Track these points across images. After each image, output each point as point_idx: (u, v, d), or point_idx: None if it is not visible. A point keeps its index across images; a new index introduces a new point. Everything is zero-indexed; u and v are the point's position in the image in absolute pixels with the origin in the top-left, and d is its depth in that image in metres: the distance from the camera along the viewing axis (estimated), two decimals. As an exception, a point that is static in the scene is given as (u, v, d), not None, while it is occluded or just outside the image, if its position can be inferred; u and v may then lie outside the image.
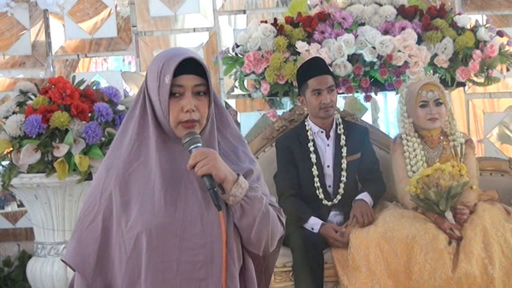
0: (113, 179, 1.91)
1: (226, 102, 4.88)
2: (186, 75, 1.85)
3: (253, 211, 1.84)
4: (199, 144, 1.86)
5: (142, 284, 1.84)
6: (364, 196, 3.66)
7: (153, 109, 1.90)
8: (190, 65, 1.84)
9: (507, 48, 4.30)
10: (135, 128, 1.93)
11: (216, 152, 1.87)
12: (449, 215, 3.44)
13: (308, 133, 3.76)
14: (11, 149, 3.51)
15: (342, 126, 3.78)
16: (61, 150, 3.39)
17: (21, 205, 4.65)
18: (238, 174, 1.87)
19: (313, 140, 3.75)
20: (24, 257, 4.42)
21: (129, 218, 1.86)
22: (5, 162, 3.58)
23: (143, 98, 1.93)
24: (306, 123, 3.80)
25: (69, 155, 3.41)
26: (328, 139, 3.77)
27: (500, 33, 4.27)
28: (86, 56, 5.24)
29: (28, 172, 3.48)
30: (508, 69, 4.39)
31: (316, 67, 3.71)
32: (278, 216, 1.93)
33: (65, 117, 3.42)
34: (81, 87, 3.74)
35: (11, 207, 4.99)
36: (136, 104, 1.94)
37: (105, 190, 1.91)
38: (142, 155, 1.92)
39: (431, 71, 3.91)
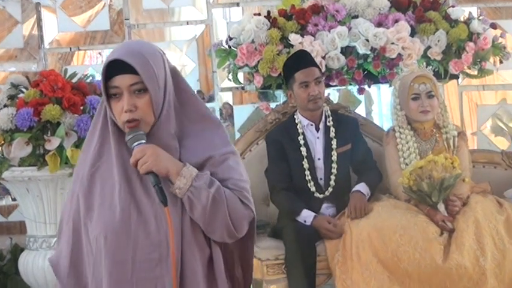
0: (78, 181, 1.93)
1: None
2: (121, 76, 1.83)
3: (200, 201, 1.82)
4: (143, 141, 1.85)
5: (104, 284, 1.85)
6: (361, 187, 3.66)
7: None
8: (125, 64, 1.82)
9: (500, 40, 4.30)
10: (100, 129, 1.93)
11: (157, 147, 1.85)
12: (441, 207, 3.45)
13: (298, 126, 3.75)
14: (2, 142, 3.50)
15: (331, 118, 3.77)
16: (53, 143, 3.38)
17: (15, 199, 4.64)
18: (184, 165, 1.85)
19: (303, 133, 3.74)
20: (17, 251, 4.42)
21: (92, 219, 1.88)
22: (-4, 156, 3.57)
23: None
24: (295, 116, 3.80)
25: (60, 148, 3.40)
26: (318, 132, 3.76)
27: (493, 26, 4.26)
28: (79, 49, 5.23)
29: (19, 165, 3.47)
30: (501, 62, 4.39)
31: (301, 60, 3.71)
32: (241, 199, 1.88)
33: (56, 110, 3.41)
34: (74, 80, 3.72)
35: (5, 201, 4.99)
36: (102, 104, 1.94)
37: (74, 192, 1.94)
38: (105, 154, 1.92)
39: (424, 64, 3.90)
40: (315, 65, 3.72)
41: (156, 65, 1.87)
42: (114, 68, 1.84)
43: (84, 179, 1.92)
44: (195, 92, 2.10)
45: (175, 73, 1.95)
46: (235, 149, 2.01)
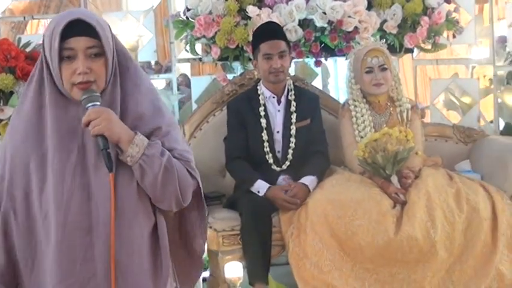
0: (8, 148, 1.91)
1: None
2: (78, 38, 1.82)
3: (152, 169, 1.84)
4: (98, 103, 1.84)
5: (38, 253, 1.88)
6: (310, 182, 3.61)
7: (50, 73, 1.88)
8: (82, 27, 1.81)
9: (454, 15, 4.37)
10: (34, 92, 1.91)
11: (112, 112, 1.85)
12: (394, 179, 3.51)
13: (260, 98, 3.76)
14: (-45, 111, 3.43)
15: (293, 92, 3.79)
16: (6, 113, 3.34)
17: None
18: (135, 133, 1.86)
19: (264, 105, 3.75)
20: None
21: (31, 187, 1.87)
22: (-51, 125, 3.50)
23: (41, 62, 1.90)
24: (258, 87, 3.80)
25: (14, 117, 3.36)
26: (279, 104, 3.78)
27: (447, 0, 4.33)
28: (33, 18, 5.13)
29: (-28, 134, 3.42)
30: (454, 36, 4.46)
31: (268, 32, 3.70)
32: (187, 168, 1.91)
33: (9, 80, 3.36)
34: (27, 50, 3.67)
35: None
36: (36, 68, 1.92)
37: (6, 157, 1.92)
38: (40, 119, 1.89)
39: (378, 37, 3.94)
40: (281, 38, 3.70)
41: (108, 32, 1.87)
42: (68, 29, 1.81)
43: (19, 146, 1.90)
44: (152, 63, 2.11)
45: (117, 41, 1.95)
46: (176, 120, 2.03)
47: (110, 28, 1.91)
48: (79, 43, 1.82)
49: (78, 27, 1.81)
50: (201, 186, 1.99)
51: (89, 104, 1.83)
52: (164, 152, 1.86)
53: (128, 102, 1.92)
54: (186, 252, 2.11)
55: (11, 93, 3.40)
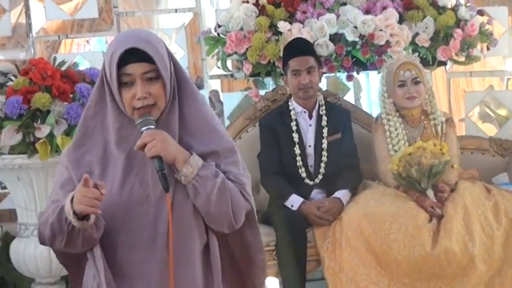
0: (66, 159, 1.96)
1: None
2: (134, 64, 1.85)
3: (205, 189, 1.85)
4: (152, 126, 1.87)
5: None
6: (343, 195, 3.62)
7: (113, 96, 1.92)
8: (138, 53, 1.84)
9: (487, 27, 4.33)
10: (96, 115, 1.96)
11: (166, 133, 1.88)
12: (430, 193, 3.48)
13: (291, 113, 3.77)
14: (-8, 130, 3.48)
15: (324, 107, 3.79)
16: (43, 131, 3.37)
17: (5, 187, 4.63)
18: (191, 154, 1.88)
19: (296, 120, 3.76)
20: (8, 238, 4.41)
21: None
22: (-14, 144, 3.55)
23: (102, 85, 1.94)
24: (289, 103, 3.81)
25: (51, 135, 3.40)
26: (310, 119, 3.78)
27: (480, 12, 4.29)
28: (67, 37, 5.21)
29: (10, 153, 3.46)
30: (488, 48, 4.42)
31: (296, 48, 3.71)
32: (241, 191, 1.92)
33: (46, 98, 3.40)
34: (62, 68, 3.71)
35: (-5, 189, 4.96)
36: (97, 86, 1.96)
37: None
38: (98, 136, 1.95)
39: (410, 51, 3.93)
40: (310, 53, 3.71)
41: (164, 53, 1.90)
42: (124, 56, 1.85)
43: (73, 157, 1.95)
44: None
45: (175, 60, 1.97)
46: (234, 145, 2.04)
47: (166, 47, 1.94)
48: (136, 69, 1.86)
49: (134, 54, 1.84)
50: (253, 207, 1.99)
51: (144, 128, 1.87)
52: (218, 174, 1.88)
53: (185, 123, 1.95)
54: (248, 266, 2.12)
55: (48, 111, 3.44)
